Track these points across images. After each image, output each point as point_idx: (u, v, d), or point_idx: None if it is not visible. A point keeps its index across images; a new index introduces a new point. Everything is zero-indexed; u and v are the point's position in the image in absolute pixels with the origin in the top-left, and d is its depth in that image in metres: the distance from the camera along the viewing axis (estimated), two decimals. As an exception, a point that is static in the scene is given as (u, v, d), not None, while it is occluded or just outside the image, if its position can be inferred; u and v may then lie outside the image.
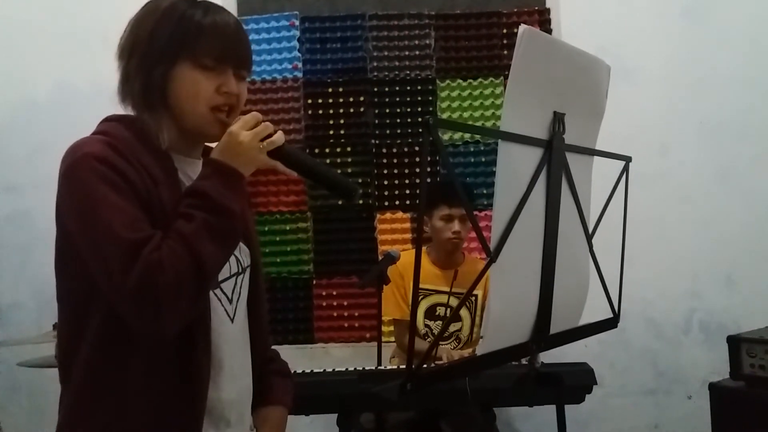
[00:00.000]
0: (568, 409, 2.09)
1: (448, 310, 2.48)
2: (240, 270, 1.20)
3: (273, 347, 1.39)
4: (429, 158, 2.82)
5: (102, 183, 1.00)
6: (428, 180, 2.71)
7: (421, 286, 2.56)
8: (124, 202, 1.00)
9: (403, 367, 2.29)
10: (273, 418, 1.29)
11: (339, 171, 2.73)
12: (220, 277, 1.14)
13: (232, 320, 1.17)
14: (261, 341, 1.28)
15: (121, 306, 1.00)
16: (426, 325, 2.58)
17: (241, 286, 1.21)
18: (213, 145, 1.13)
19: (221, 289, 1.14)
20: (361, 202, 3.22)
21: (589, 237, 1.28)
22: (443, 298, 2.53)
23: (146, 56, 1.10)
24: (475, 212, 3.15)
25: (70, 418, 1.09)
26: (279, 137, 1.11)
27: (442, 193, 2.56)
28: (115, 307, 1.01)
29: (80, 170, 1.01)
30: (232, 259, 1.16)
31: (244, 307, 1.23)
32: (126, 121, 1.12)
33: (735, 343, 2.52)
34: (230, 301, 1.17)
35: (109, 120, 1.14)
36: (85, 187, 1.00)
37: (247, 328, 1.24)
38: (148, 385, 1.06)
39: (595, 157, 1.31)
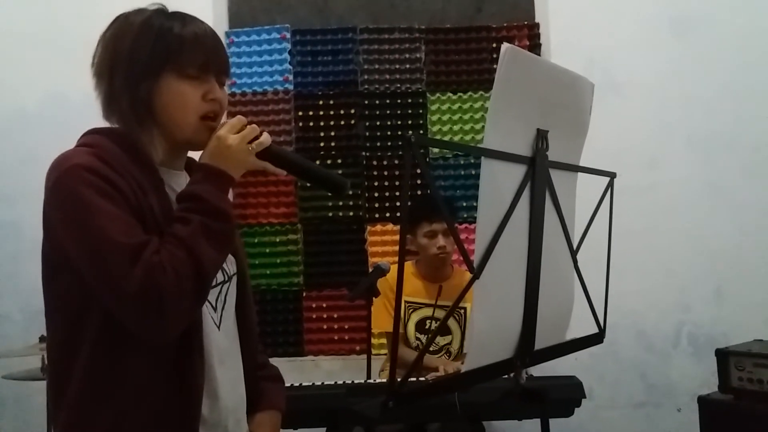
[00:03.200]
0: (559, 422, 2.10)
1: (437, 323, 2.47)
2: (225, 279, 1.21)
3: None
4: (413, 173, 2.87)
5: (94, 192, 1.00)
6: (410, 194, 2.70)
7: (410, 299, 2.57)
8: (118, 210, 1.01)
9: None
10: (267, 422, 1.30)
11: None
12: None
13: (218, 328, 1.17)
14: (251, 348, 1.29)
15: (124, 311, 1.00)
16: (417, 339, 2.57)
17: (227, 295, 1.21)
18: (197, 157, 1.13)
19: None
20: (351, 214, 3.23)
21: (573, 253, 1.29)
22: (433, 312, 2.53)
23: (130, 73, 1.10)
24: (464, 225, 3.16)
25: (69, 430, 1.09)
26: (266, 138, 1.13)
27: (422, 209, 2.55)
28: (117, 313, 1.00)
29: (70, 181, 1.01)
30: None
31: (231, 315, 1.23)
32: (109, 133, 1.12)
33: (723, 356, 2.52)
34: (215, 309, 1.17)
35: (92, 133, 1.14)
36: (77, 197, 1.00)
37: (236, 336, 1.24)
38: (145, 392, 1.06)
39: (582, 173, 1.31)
